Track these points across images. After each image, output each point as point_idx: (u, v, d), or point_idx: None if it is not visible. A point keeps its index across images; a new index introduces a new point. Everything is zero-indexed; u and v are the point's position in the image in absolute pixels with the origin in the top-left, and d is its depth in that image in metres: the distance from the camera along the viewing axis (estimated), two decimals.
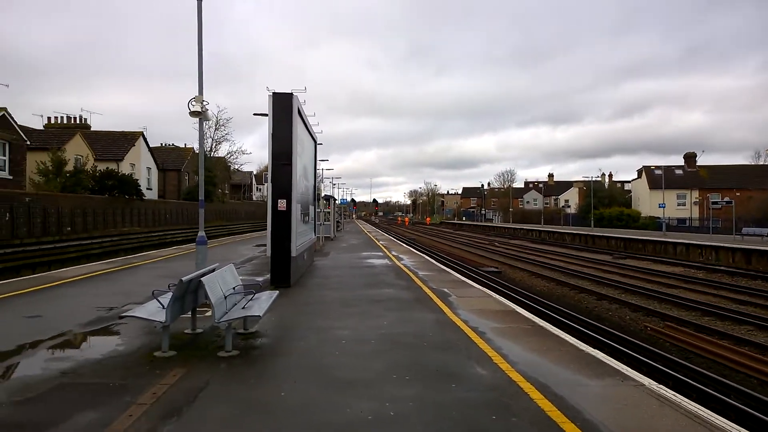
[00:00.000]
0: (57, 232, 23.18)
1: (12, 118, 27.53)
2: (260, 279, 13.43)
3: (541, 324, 8.59)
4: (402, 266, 17.05)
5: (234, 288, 7.56)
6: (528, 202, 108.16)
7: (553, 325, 8.86)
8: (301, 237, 13.81)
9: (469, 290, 12.14)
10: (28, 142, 29.11)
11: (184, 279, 6.37)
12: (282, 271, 12.01)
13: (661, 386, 5.68)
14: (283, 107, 12.09)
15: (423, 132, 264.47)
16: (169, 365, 6.11)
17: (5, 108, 27.16)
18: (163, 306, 6.42)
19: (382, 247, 26.12)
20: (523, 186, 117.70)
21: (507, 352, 6.76)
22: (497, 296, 11.39)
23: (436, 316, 9.01)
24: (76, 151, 34.47)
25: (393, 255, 21.38)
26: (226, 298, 6.92)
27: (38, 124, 41.06)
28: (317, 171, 22.25)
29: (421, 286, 12.53)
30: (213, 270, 7.37)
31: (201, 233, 10.58)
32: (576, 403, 4.99)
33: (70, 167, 28.59)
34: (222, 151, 58.41)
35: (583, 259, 28.23)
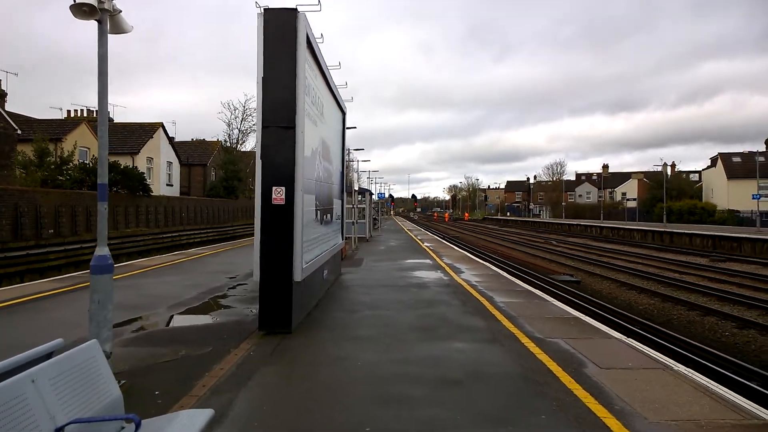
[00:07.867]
0: (33, 236, 18.97)
1: None
2: (253, 312, 8.61)
3: None
4: (464, 284, 11.92)
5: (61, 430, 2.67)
6: (580, 195, 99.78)
7: None
8: (315, 246, 8.91)
9: (609, 345, 6.83)
10: (19, 132, 25.14)
11: None
12: (277, 307, 7.13)
13: None
14: (280, 33, 7.24)
15: (471, 124, 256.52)
16: None
17: None
18: None
19: (429, 251, 21.00)
20: (574, 179, 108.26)
21: None
22: (683, 369, 5.99)
23: None
24: (81, 142, 30.53)
25: (445, 263, 16.23)
26: None
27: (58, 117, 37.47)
28: (347, 155, 17.40)
29: (515, 333, 7.33)
30: None
31: (100, 250, 5.23)
32: None
33: (69, 160, 24.39)
34: (250, 144, 52.59)
35: (671, 263, 22.30)
